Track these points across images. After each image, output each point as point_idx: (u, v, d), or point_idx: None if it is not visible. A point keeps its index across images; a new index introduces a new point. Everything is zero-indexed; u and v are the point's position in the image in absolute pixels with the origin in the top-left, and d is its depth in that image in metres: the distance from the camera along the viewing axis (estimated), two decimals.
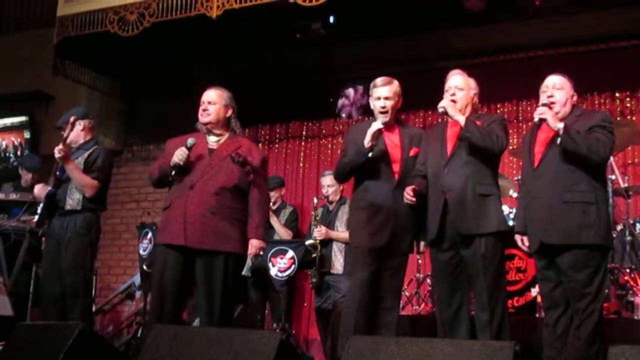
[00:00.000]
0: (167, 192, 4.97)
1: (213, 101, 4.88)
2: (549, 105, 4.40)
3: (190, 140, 4.76)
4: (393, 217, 4.74)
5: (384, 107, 4.83)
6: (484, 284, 4.43)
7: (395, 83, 4.91)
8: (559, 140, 4.25)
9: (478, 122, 4.57)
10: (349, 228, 5.22)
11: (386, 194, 4.77)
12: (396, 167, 4.82)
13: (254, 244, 4.75)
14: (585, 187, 4.29)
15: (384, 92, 4.85)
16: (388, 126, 4.87)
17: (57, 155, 5.49)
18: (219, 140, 4.89)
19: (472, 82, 4.80)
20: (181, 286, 4.72)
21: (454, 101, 4.66)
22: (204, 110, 4.87)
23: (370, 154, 4.74)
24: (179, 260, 4.68)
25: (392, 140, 4.88)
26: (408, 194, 4.57)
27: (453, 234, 4.55)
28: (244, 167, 4.73)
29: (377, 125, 4.73)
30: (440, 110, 4.67)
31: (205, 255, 4.66)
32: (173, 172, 4.73)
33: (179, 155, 4.70)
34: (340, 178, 5.14)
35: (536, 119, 4.40)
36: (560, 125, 4.24)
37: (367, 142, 4.71)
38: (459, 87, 4.70)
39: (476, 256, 4.47)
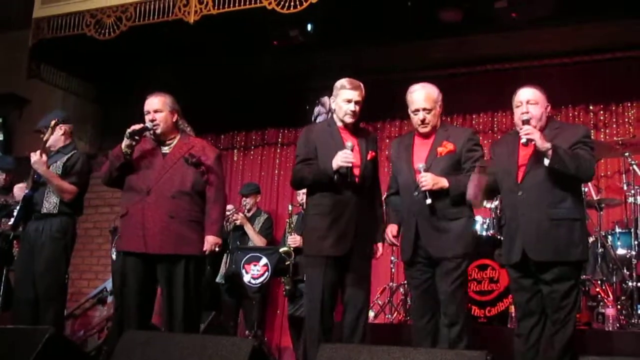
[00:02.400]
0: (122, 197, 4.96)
1: (159, 109, 4.88)
2: (529, 122, 4.33)
3: (149, 124, 4.80)
4: (354, 223, 4.66)
5: (354, 112, 4.73)
6: (445, 294, 4.48)
7: (362, 87, 4.80)
8: (546, 161, 4.22)
9: (450, 145, 4.59)
10: (304, 233, 5.01)
11: (348, 199, 4.67)
12: (356, 172, 4.70)
13: (209, 240, 4.75)
14: (570, 204, 4.31)
15: (355, 96, 4.72)
16: (346, 130, 4.78)
17: (33, 162, 5.48)
18: (170, 144, 4.90)
19: (436, 92, 4.72)
20: (144, 292, 4.72)
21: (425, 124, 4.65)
22: (152, 120, 4.84)
23: (335, 177, 4.61)
24: (139, 267, 4.69)
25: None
26: (390, 239, 4.77)
27: (425, 255, 4.58)
28: (198, 168, 4.74)
29: (350, 156, 4.56)
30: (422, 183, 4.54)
31: (166, 260, 4.66)
32: (128, 142, 4.70)
33: (136, 125, 4.72)
34: (296, 187, 4.94)
35: (523, 140, 4.28)
36: (548, 145, 4.19)
37: (337, 164, 4.57)
38: (427, 109, 4.64)
39: (442, 271, 4.51)
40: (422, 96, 4.66)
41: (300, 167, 4.78)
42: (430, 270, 4.59)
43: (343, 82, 4.78)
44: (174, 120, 4.92)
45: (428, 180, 4.49)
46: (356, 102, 4.73)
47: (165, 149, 4.88)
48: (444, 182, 4.52)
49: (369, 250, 4.81)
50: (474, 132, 4.93)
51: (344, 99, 4.75)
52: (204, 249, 4.74)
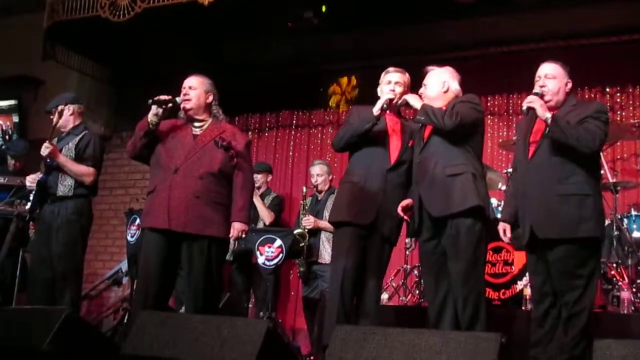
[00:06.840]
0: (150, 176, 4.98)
1: (194, 86, 4.89)
2: (541, 95, 4.37)
3: (178, 99, 4.81)
4: (382, 197, 4.77)
5: (392, 91, 4.86)
6: (457, 270, 4.41)
7: (407, 75, 4.99)
8: (547, 130, 4.23)
9: (443, 107, 4.59)
10: (334, 203, 5.18)
11: (379, 173, 4.79)
12: (394, 152, 4.84)
13: (236, 227, 4.75)
14: (580, 179, 4.24)
15: (394, 77, 4.93)
16: (392, 113, 4.93)
17: (44, 152, 5.50)
18: (202, 126, 4.89)
19: (443, 73, 4.79)
20: (165, 270, 4.69)
21: (420, 95, 4.76)
22: (185, 94, 4.87)
23: (377, 122, 4.76)
24: (162, 244, 4.67)
25: (394, 128, 4.90)
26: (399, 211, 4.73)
27: (429, 221, 4.55)
28: (228, 151, 4.74)
29: (388, 95, 4.79)
30: (400, 102, 4.84)
31: (189, 239, 4.65)
32: (155, 110, 4.72)
33: (163, 95, 4.73)
34: (338, 144, 4.96)
35: (524, 107, 4.35)
36: (548, 114, 4.21)
37: (376, 109, 4.75)
38: (425, 83, 4.81)
39: (449, 240, 4.45)
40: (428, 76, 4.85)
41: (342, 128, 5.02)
42: (440, 240, 4.52)
43: (388, 68, 5.04)
44: (207, 101, 4.92)
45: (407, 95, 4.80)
46: (396, 83, 4.92)
47: (197, 130, 4.87)
48: (416, 103, 4.65)
49: (387, 230, 4.84)
50: (475, 96, 4.79)
51: (385, 81, 4.96)
52: (231, 235, 4.75)
